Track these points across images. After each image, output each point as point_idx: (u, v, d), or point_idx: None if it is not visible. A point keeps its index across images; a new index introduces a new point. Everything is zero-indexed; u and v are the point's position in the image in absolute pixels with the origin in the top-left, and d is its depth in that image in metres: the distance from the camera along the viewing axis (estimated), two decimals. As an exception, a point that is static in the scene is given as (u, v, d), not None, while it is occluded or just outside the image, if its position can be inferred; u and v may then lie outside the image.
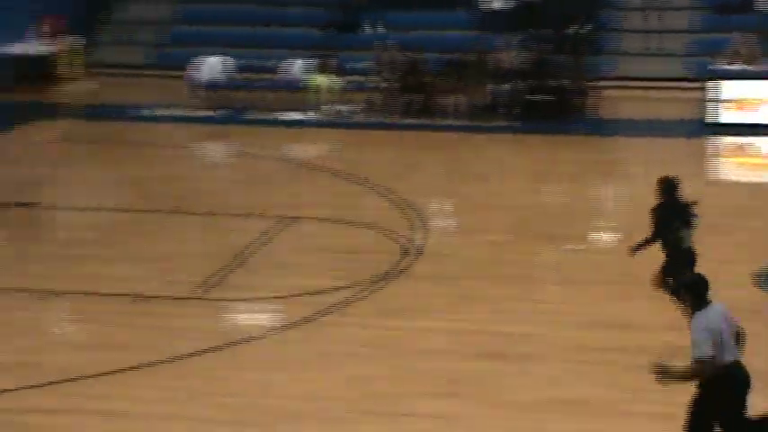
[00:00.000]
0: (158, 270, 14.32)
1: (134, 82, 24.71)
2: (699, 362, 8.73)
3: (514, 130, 21.39)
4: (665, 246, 12.19)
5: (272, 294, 13.50)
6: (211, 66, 23.14)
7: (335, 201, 17.31)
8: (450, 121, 21.72)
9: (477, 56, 22.44)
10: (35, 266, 14.53)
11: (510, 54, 22.39)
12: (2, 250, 15.53)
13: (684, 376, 8.84)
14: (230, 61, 23.30)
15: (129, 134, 21.34)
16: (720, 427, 8.96)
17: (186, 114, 22.27)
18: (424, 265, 14.28)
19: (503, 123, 21.62)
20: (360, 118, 22.01)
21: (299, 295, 13.21)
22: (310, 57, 22.94)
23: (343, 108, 22.22)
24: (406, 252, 14.70)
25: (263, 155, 19.80)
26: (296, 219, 16.19)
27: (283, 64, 23.14)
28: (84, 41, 25.19)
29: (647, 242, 12.22)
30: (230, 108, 22.60)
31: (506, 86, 21.95)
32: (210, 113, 22.30)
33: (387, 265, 14.19)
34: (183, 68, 23.62)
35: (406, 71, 22.29)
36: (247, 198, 17.30)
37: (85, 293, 13.49)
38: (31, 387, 11.09)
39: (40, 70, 24.36)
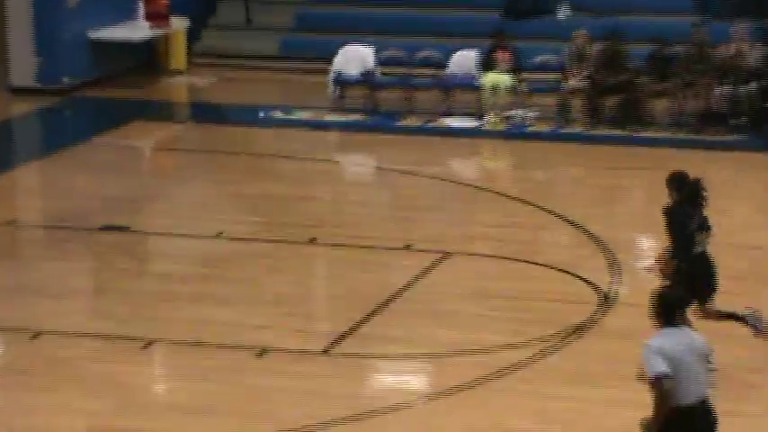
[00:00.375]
0: (283, 315, 14.54)
1: (254, 77, 25.02)
2: (656, 380, 9.38)
3: (744, 146, 21.03)
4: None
5: (424, 351, 13.57)
6: (358, 57, 23.27)
7: (508, 233, 17.31)
8: (658, 133, 21.47)
9: (696, 48, 22.14)
10: (122, 308, 14.87)
11: (741, 47, 22.05)
12: (81, 286, 15.91)
13: (655, 413, 9.50)
14: (381, 52, 23.38)
15: (251, 142, 21.64)
16: None
17: (323, 119, 22.46)
18: (620, 317, 14.23)
19: (729, 137, 21.28)
20: (543, 126, 21.88)
21: (459, 353, 13.25)
22: (485, 49, 22.81)
23: (524, 114, 22.11)
24: (599, 301, 14.65)
25: (419, 172, 19.88)
26: (457, 254, 16.25)
27: (450, 57, 23.11)
28: (192, 24, 25.61)
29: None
30: (380, 112, 22.69)
31: (735, 89, 21.61)
32: (356, 118, 22.42)
33: (573, 316, 14.18)
34: (313, 60, 23.87)
35: (602, 67, 22.04)
36: (397, 226, 17.43)
37: (188, 344, 13.75)
38: None
39: (141, 59, 24.89)
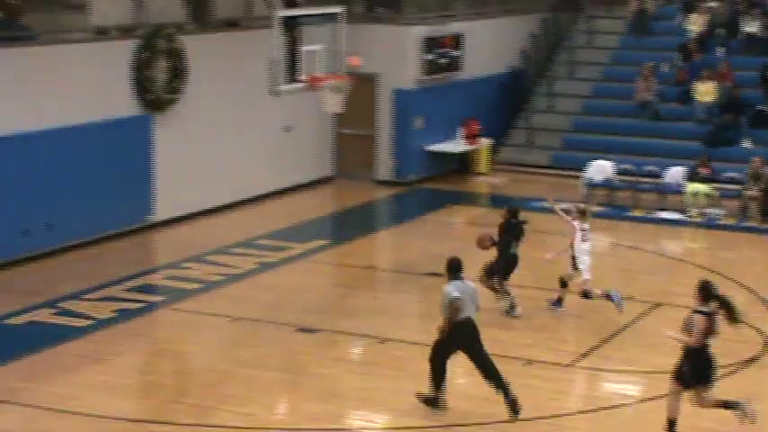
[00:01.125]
0: (544, 339, 14.39)
1: (533, 179, 24.99)
2: (454, 301, 11.53)
3: None
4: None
5: (640, 368, 13.25)
6: (602, 168, 23.09)
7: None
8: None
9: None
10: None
11: None
12: (413, 311, 16.05)
13: (445, 320, 11.59)
14: (617, 165, 23.12)
15: (529, 221, 21.50)
16: (434, 353, 11.84)
17: (574, 208, 22.20)
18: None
19: None
20: (729, 221, 21.19)
21: (665, 372, 12.85)
22: (689, 166, 22.34)
23: (715, 211, 21.48)
24: (763, 342, 14.05)
25: (640, 247, 19.49)
26: (665, 305, 15.84)
27: (664, 170, 22.67)
28: (494, 142, 25.77)
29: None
30: (614, 205, 22.37)
31: None
32: (599, 209, 22.12)
33: (745, 352, 13.61)
34: (573, 169, 23.69)
35: (769, 182, 21.27)
36: (624, 283, 17.05)
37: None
38: (434, 427, 11.38)
39: (460, 165, 25.16)
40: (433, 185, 24.17)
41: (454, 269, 11.90)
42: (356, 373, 12.99)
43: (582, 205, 16.28)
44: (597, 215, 21.81)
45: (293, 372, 13.15)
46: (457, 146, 24.92)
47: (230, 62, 20.91)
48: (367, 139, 24.10)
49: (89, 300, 15.49)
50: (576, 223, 15.54)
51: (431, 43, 24.10)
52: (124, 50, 18.92)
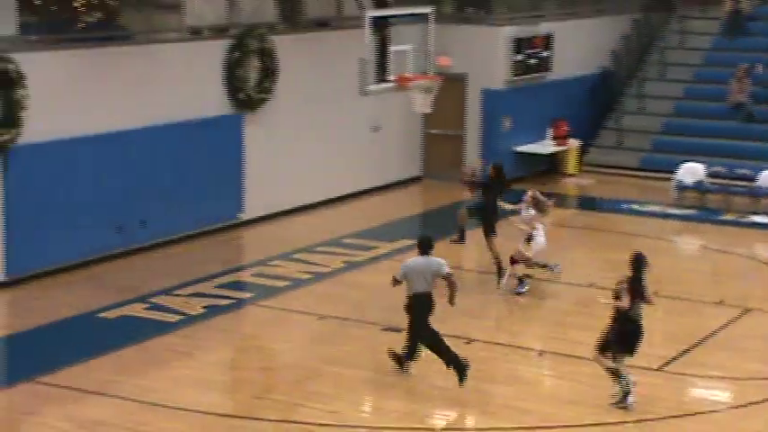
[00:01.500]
0: (631, 342, 14.20)
1: (622, 180, 24.71)
2: (396, 277, 12.65)
3: None
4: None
5: (729, 374, 13.01)
6: (693, 170, 22.74)
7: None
8: None
9: None
10: (521, 327, 14.88)
11: None
12: (500, 313, 15.98)
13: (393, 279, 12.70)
14: (708, 168, 22.73)
15: (616, 224, 21.34)
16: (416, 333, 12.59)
17: (666, 211, 21.95)
18: None
19: None
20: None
21: (757, 379, 12.61)
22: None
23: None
24: None
25: (731, 251, 19.14)
26: (756, 310, 15.53)
27: (757, 174, 22.22)
28: (583, 144, 25.54)
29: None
30: (705, 208, 22.01)
31: None
32: (689, 212, 21.82)
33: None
34: (663, 172, 23.37)
35: None
36: (714, 287, 16.80)
37: (565, 355, 13.62)
38: (518, 428, 11.32)
39: (549, 166, 24.98)
40: (521, 186, 23.97)
41: (423, 246, 12.68)
42: (441, 373, 12.96)
43: (538, 193, 16.59)
44: (688, 218, 21.53)
45: (379, 370, 13.19)
46: (546, 147, 24.74)
47: (320, 62, 21.04)
48: (455, 139, 24.05)
49: (180, 296, 15.73)
50: (533, 211, 16.15)
51: (520, 43, 23.96)
52: (217, 50, 19.16)
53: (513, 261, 16.19)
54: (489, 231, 16.59)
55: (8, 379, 13.12)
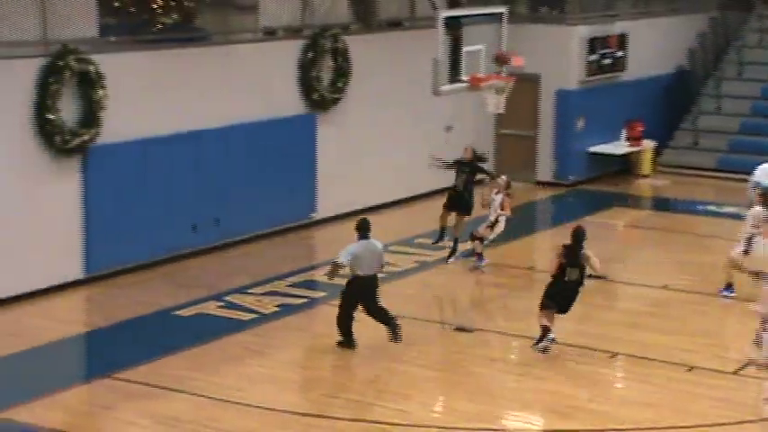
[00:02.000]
0: (706, 345, 14.07)
1: (697, 181, 24.44)
2: (336, 262, 13.34)
3: None
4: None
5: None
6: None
7: None
8: None
9: None
10: (597, 329, 14.77)
11: None
12: (569, 315, 15.88)
13: (332, 270, 13.48)
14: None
15: (691, 225, 21.10)
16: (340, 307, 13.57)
17: (743, 212, 21.58)
18: None
19: None
20: None
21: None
22: None
23: None
24: None
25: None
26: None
27: None
28: (657, 144, 25.29)
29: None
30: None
31: None
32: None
33: None
34: (740, 173, 23.02)
35: None
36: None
37: (637, 357, 13.53)
38: (589, 430, 11.27)
39: (622, 167, 24.78)
40: (594, 187, 23.87)
41: (362, 229, 13.54)
42: (513, 373, 12.97)
43: (505, 177, 17.44)
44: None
45: (450, 370, 13.22)
46: (619, 147, 24.54)
47: (393, 62, 21.11)
48: (528, 139, 23.97)
49: (253, 294, 15.90)
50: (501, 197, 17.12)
51: (594, 43, 23.81)
52: (291, 50, 19.33)
53: (474, 238, 17.13)
54: (462, 210, 17.53)
55: (87, 375, 13.42)
